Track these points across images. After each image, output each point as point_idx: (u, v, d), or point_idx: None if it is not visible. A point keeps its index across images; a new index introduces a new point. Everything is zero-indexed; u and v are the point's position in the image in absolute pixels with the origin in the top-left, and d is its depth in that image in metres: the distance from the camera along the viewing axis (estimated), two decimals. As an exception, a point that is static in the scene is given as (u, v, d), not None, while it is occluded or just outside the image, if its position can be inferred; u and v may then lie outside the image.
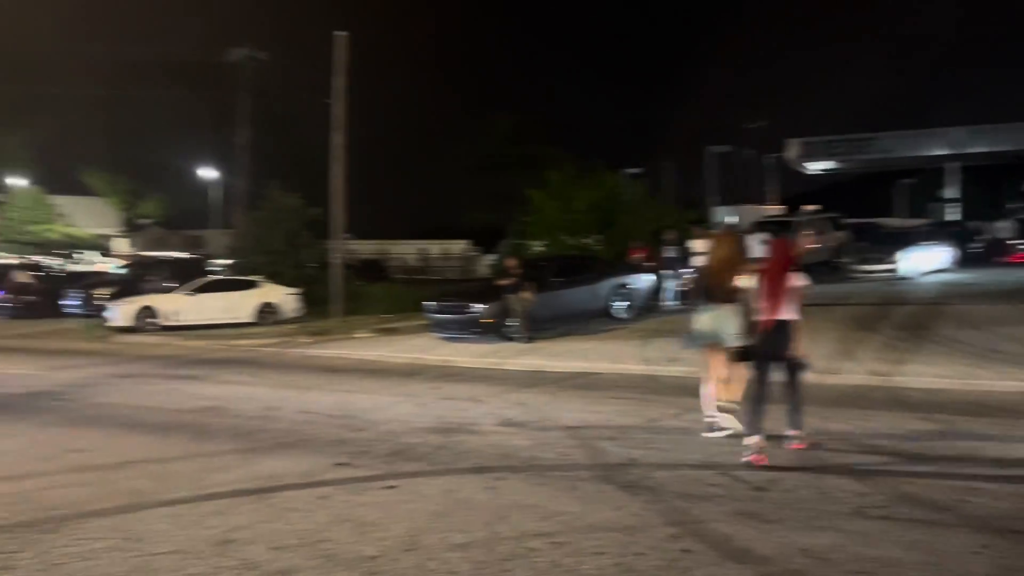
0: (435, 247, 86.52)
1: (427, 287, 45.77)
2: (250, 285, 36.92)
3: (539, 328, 27.10)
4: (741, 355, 14.01)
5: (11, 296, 43.04)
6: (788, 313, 13.64)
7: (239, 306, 35.45)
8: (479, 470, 13.42)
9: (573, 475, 13.11)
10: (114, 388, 20.99)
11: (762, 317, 13.63)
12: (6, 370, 24.05)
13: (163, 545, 10.86)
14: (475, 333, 26.84)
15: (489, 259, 65.64)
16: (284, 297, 37.07)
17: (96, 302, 38.63)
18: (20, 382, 22.07)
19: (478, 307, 26.98)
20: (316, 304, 37.21)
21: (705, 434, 15.21)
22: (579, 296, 29.04)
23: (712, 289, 14.81)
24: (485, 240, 75.15)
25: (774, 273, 13.63)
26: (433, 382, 20.87)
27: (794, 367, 13.98)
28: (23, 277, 44.99)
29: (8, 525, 11.56)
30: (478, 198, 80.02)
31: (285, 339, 30.13)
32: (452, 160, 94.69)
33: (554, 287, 28.29)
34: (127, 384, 21.61)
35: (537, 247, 40.50)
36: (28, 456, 14.68)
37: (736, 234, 15.68)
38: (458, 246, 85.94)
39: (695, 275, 15.96)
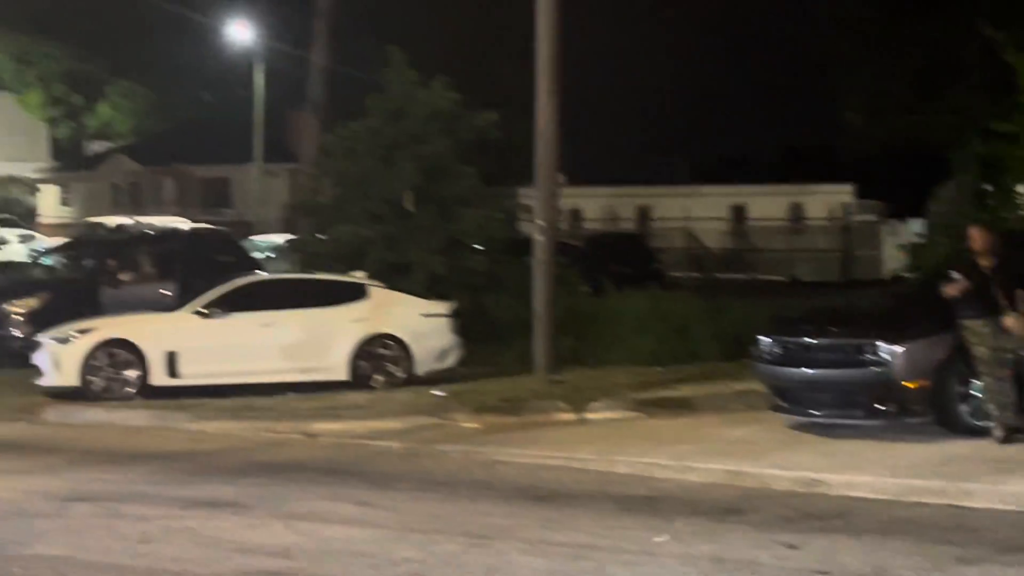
0: (773, 200, 60.39)
1: (755, 298, 32.62)
2: (343, 294, 23.11)
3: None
4: None
5: None
6: None
7: (319, 343, 22.62)
8: None
9: None
10: (60, 528, 12.84)
11: None
12: None
13: None
14: (883, 415, 17.63)
15: (906, 233, 44.56)
16: (418, 322, 23.08)
17: (7, 331, 26.04)
18: None
19: (887, 350, 17.69)
20: (490, 337, 25.42)
21: None
22: None
23: None
24: (883, 190, 51.55)
25: None
26: (773, 531, 12.70)
27: None
28: None
29: None
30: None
31: (426, 421, 20.18)
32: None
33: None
34: (85, 519, 13.26)
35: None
36: None
37: None
38: (829, 197, 60.17)
39: None
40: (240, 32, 59.27)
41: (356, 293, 22.39)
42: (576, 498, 14.06)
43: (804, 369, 18.01)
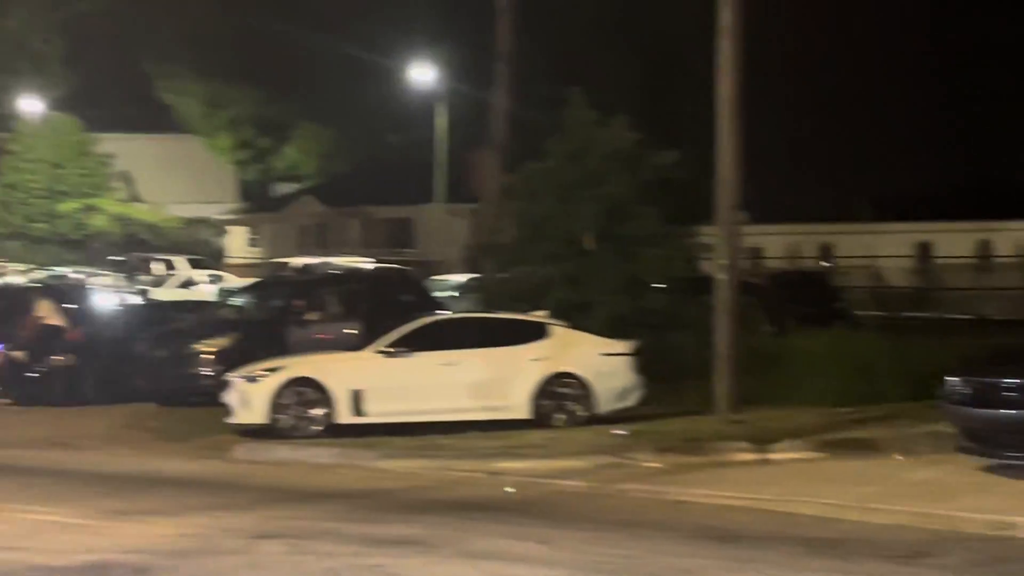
0: (959, 236, 59.49)
1: (941, 338, 31.39)
2: (524, 333, 23.14)
3: None
4: None
5: (24, 355, 27.63)
6: None
7: (501, 382, 22.69)
8: None
9: None
10: (249, 565, 12.70)
11: None
12: (25, 518, 15.48)
13: None
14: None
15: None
16: (599, 361, 22.93)
17: (197, 370, 25.75)
18: (57, 546, 13.52)
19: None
20: (671, 376, 24.82)
21: None
22: None
23: None
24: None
25: None
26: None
27: None
28: (48, 313, 28.42)
29: None
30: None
31: (607, 461, 19.94)
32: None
33: None
34: (273, 556, 13.22)
35: None
36: None
37: None
38: (1019, 235, 58.90)
39: None
40: (423, 74, 59.79)
41: (537, 332, 22.31)
42: (761, 540, 13.85)
43: (1000, 410, 17.52)
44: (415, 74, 60.85)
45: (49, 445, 21.31)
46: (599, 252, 26.20)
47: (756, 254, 59.00)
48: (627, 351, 22.41)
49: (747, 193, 23.43)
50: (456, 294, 40.64)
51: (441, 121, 58.14)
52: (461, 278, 43.33)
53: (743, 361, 22.71)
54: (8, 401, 26.20)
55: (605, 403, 21.80)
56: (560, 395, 21.56)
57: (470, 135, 54.23)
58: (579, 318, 24.02)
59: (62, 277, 52.55)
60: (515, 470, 18.35)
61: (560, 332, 22.38)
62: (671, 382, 24.17)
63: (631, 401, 22.21)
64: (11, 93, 46.53)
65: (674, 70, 61.09)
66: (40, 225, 72.92)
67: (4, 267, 49.57)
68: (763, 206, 46.64)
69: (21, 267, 50.92)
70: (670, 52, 62.27)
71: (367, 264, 50.11)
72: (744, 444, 19.62)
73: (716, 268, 22.67)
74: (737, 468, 18.85)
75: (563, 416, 21.40)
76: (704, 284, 24.35)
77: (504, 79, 47.49)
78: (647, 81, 62.72)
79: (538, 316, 23.10)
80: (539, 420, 21.24)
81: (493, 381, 21.44)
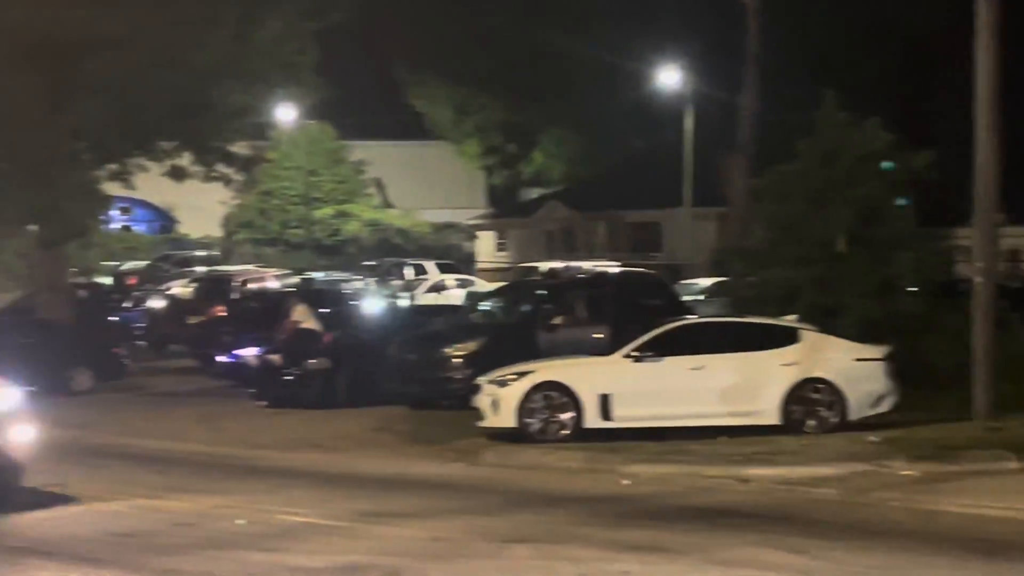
0: None
1: None
2: (774, 338, 22.39)
3: None
4: None
5: (280, 359, 27.62)
6: None
7: (750, 387, 22.03)
8: None
9: None
10: (499, 569, 12.68)
11: None
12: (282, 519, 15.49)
13: None
14: None
15: None
16: (852, 367, 22.07)
17: (447, 373, 25.58)
18: (311, 547, 13.69)
19: None
20: (925, 382, 23.87)
21: None
22: None
23: None
24: None
25: None
26: None
27: None
28: (303, 317, 28.56)
29: None
30: None
31: (860, 468, 19.16)
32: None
33: None
34: (523, 560, 13.09)
35: None
36: None
37: None
38: None
39: None
40: (669, 78, 59.41)
41: (788, 337, 21.76)
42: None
43: None
44: (662, 77, 60.46)
45: (303, 447, 21.60)
46: (850, 255, 25.49)
47: (1014, 257, 57.03)
48: (880, 356, 21.67)
49: (1005, 194, 22.52)
50: (703, 298, 40.26)
51: (688, 124, 57.62)
52: (708, 282, 42.92)
53: (1001, 367, 21.87)
54: (263, 404, 26.61)
55: (857, 409, 21.18)
56: (811, 401, 20.98)
57: (717, 138, 53.66)
58: (829, 322, 23.39)
59: (317, 282, 53.62)
60: (765, 476, 17.97)
61: (811, 337, 21.78)
62: (924, 388, 23.40)
63: (884, 407, 21.51)
64: (267, 103, 47.59)
65: (929, 69, 59.39)
66: (296, 231, 74.53)
67: (261, 272, 50.70)
68: (1022, 207, 45.02)
69: (277, 272, 52.04)
70: (924, 50, 60.60)
71: (612, 268, 49.95)
72: (1004, 452, 18.85)
73: (973, 271, 21.94)
74: (997, 477, 18.13)
75: (814, 422, 20.85)
76: (960, 288, 23.67)
77: (752, 81, 46.95)
78: (900, 80, 61.15)
79: (788, 320, 22.55)
80: (789, 426, 20.72)
81: (742, 386, 20.99)
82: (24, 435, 15.49)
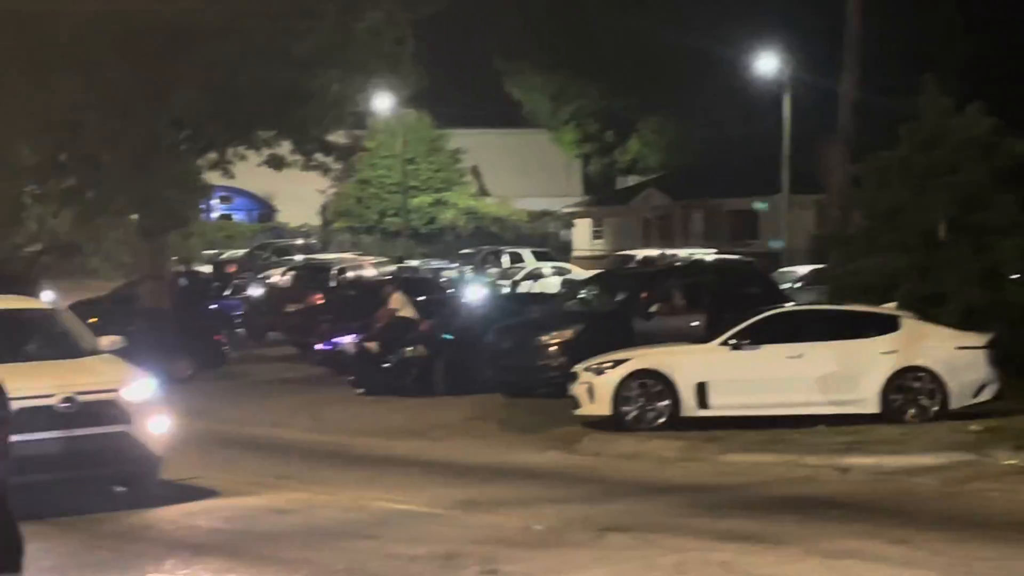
0: None
1: None
2: (873, 326, 21.85)
3: None
4: None
5: (377, 347, 27.52)
6: None
7: (848, 375, 21.47)
8: None
9: None
10: (598, 558, 12.33)
11: None
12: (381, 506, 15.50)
13: None
14: None
15: None
16: (953, 355, 21.49)
17: (544, 361, 25.35)
18: (409, 534, 13.58)
19: None
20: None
21: None
22: None
23: None
24: None
25: None
26: None
27: None
28: (400, 305, 28.25)
29: None
30: None
31: (962, 458, 18.50)
32: None
33: None
34: (621, 550, 12.75)
35: None
36: None
37: None
38: None
39: None
40: (767, 64, 58.87)
41: (887, 325, 21.37)
42: None
43: None
44: (760, 63, 59.86)
45: (402, 435, 21.64)
46: (952, 242, 24.99)
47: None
48: (982, 344, 21.15)
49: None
50: (801, 286, 39.88)
51: (786, 110, 57.05)
52: (806, 270, 42.47)
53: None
54: (361, 391, 26.69)
55: (958, 398, 20.70)
56: (911, 389, 20.55)
57: (816, 124, 53.03)
58: (930, 310, 22.92)
59: (414, 270, 53.73)
60: (864, 466, 17.70)
61: (911, 325, 21.36)
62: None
63: (985, 396, 20.99)
64: (366, 92, 47.73)
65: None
66: (393, 219, 74.75)
67: (359, 260, 50.88)
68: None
69: (375, 260, 52.19)
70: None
71: (708, 256, 49.59)
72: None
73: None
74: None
75: (914, 411, 20.43)
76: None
77: (852, 66, 46.23)
78: (1003, 65, 60.34)
79: (888, 308, 22.21)
80: (888, 415, 20.33)
81: (841, 375, 20.65)
82: (161, 426, 15.23)
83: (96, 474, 14.97)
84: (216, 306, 42.78)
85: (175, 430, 15.64)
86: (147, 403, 15.15)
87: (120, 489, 15.32)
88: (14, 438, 14.05)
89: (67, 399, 14.51)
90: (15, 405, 14.22)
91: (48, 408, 14.37)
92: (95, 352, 16.10)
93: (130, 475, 15.22)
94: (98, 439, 14.67)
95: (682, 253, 50.95)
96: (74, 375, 15.13)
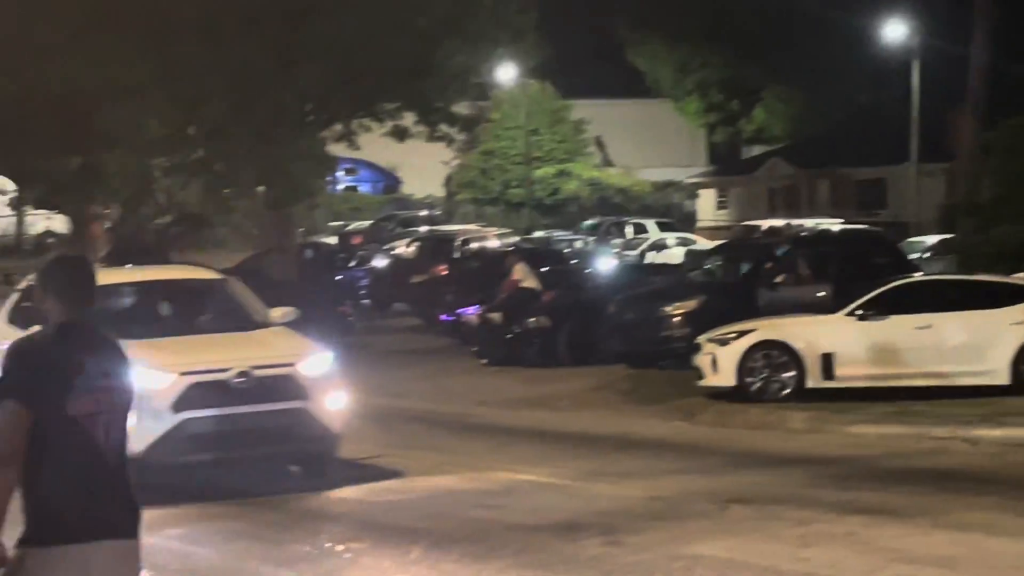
0: None
1: None
2: (1005, 296, 21.16)
3: None
4: None
5: (500, 317, 27.63)
6: None
7: (978, 346, 20.79)
8: None
9: None
10: (719, 529, 12.21)
11: None
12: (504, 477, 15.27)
13: None
14: None
15: None
16: None
17: (667, 332, 24.92)
18: (532, 505, 13.38)
19: None
20: None
21: None
22: None
23: None
24: None
25: None
26: None
27: None
28: (523, 276, 28.00)
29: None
30: None
31: None
32: None
33: None
34: (744, 521, 12.59)
35: None
36: None
37: None
38: None
39: None
40: (895, 30, 57.95)
41: (1019, 295, 20.89)
42: None
43: None
44: (888, 30, 58.84)
45: (524, 405, 21.62)
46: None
47: None
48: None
49: None
50: (929, 256, 39.24)
51: (915, 78, 56.03)
52: (935, 239, 41.77)
53: None
54: (484, 362, 26.73)
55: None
56: (1044, 357, 19.83)
57: (945, 91, 52.11)
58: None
59: (537, 241, 53.65)
60: (994, 438, 17.33)
61: (1042, 293, 20.78)
62: None
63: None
64: (489, 63, 47.73)
65: None
66: (516, 191, 74.72)
67: (482, 232, 50.94)
68: None
69: (498, 231, 52.21)
70: None
71: (834, 226, 48.92)
72: None
73: None
74: None
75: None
76: None
77: (983, 32, 45.41)
78: None
79: (1019, 278, 21.70)
80: (1019, 386, 19.73)
81: (970, 345, 20.16)
82: (338, 402, 14.48)
83: (272, 453, 14.33)
84: (341, 277, 43.10)
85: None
86: (324, 378, 14.41)
87: (294, 469, 14.89)
88: (188, 415, 13.65)
89: (242, 374, 13.84)
90: (189, 380, 13.73)
91: (223, 383, 13.76)
92: (267, 324, 15.42)
93: (308, 454, 14.56)
94: (275, 416, 13.98)
95: (808, 223, 50.37)
96: (249, 348, 14.49)
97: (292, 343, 14.86)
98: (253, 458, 14.32)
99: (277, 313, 15.78)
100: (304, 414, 14.05)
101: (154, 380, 13.33)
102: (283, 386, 14.04)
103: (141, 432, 12.75)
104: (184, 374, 13.66)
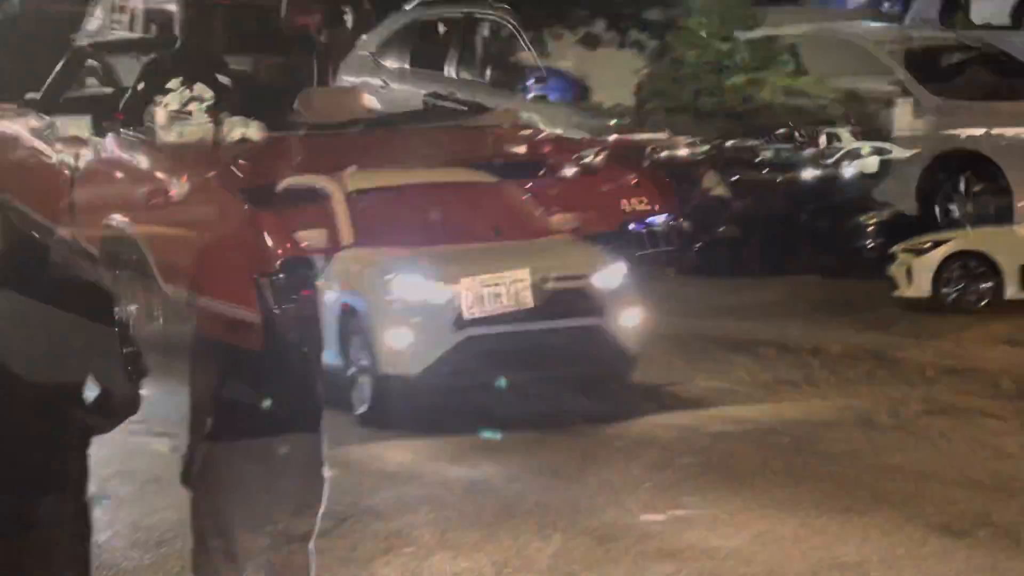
0: None
1: None
2: None
3: None
4: None
5: (689, 226, 26.70)
6: None
7: None
8: None
9: None
10: (917, 441, 11.91)
11: None
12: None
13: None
14: None
15: None
16: None
17: (860, 242, 24.62)
18: (725, 413, 13.07)
19: None
20: None
21: None
22: None
23: None
24: None
25: None
26: None
27: None
28: (713, 184, 28.39)
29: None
30: None
31: None
32: None
33: None
34: (942, 432, 12.16)
35: None
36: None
37: None
38: None
39: None
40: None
41: None
42: None
43: None
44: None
45: (712, 314, 21.42)
46: None
47: None
48: None
49: None
50: None
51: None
52: None
53: None
54: (672, 271, 26.49)
55: None
56: None
57: None
58: None
59: (728, 150, 52.99)
60: None
61: None
62: None
63: None
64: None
65: None
66: (707, 99, 73.73)
67: (673, 140, 50.43)
68: None
69: (688, 140, 51.64)
70: None
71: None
72: None
73: None
74: None
75: None
76: None
77: None
78: None
79: None
80: None
81: None
82: (634, 319, 13.05)
83: (563, 375, 12.99)
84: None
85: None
86: (619, 291, 13.03)
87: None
88: (471, 332, 12.17)
89: (532, 286, 12.58)
90: (472, 293, 12.22)
91: (511, 297, 12.48)
92: (551, 232, 14.19)
93: (601, 376, 13.35)
94: (567, 333, 12.61)
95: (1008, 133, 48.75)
96: (538, 258, 13.00)
97: (583, 252, 13.56)
98: (540, 381, 12.95)
99: (558, 219, 14.65)
100: (599, 332, 12.74)
101: (433, 293, 12.44)
102: (577, 301, 12.74)
103: (419, 350, 12.20)
104: (466, 287, 12.49)
